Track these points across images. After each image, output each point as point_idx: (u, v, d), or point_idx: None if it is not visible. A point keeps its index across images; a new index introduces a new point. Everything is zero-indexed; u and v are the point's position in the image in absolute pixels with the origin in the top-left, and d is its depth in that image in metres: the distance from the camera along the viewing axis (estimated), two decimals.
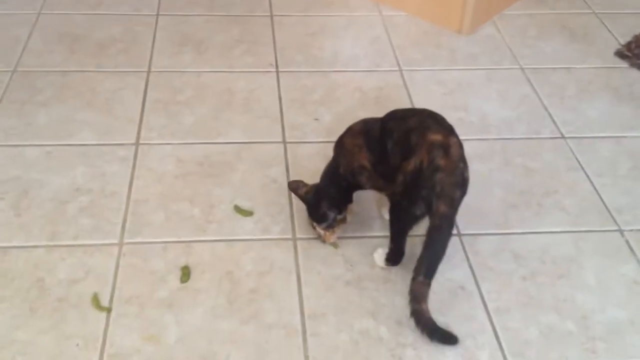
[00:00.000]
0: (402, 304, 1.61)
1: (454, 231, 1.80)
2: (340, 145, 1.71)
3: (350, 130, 1.71)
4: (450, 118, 2.20)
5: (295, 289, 1.65)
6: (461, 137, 2.14)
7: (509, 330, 1.58)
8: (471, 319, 1.59)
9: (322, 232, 1.73)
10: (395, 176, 1.57)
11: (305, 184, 1.75)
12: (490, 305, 1.63)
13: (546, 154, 2.10)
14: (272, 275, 1.68)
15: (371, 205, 1.87)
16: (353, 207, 1.78)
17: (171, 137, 2.07)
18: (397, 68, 2.45)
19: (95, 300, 1.58)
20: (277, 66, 2.43)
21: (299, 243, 1.76)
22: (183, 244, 1.74)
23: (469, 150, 2.06)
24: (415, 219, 1.59)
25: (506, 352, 1.53)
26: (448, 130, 1.59)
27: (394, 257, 1.69)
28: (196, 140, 2.07)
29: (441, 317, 1.58)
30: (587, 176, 2.02)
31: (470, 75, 2.44)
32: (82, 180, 1.90)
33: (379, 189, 1.69)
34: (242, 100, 2.25)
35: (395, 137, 1.59)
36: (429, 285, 1.51)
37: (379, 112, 2.24)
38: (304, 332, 1.55)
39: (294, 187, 1.76)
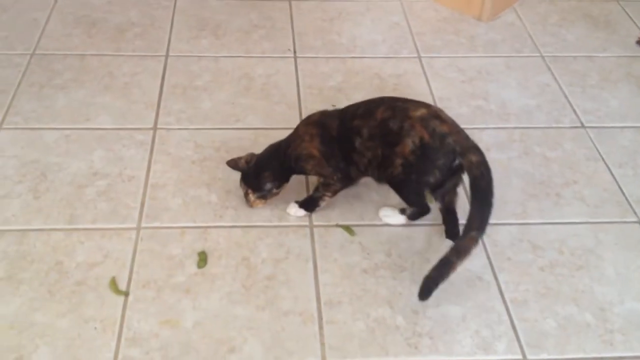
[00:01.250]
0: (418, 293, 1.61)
1: None
2: (295, 129, 1.77)
3: (307, 119, 1.76)
4: (469, 106, 2.21)
5: (312, 276, 1.65)
6: (480, 126, 2.14)
7: (527, 321, 1.57)
8: (488, 309, 1.59)
9: (252, 198, 1.77)
10: (367, 166, 1.67)
11: (241, 157, 1.78)
12: (507, 296, 1.62)
13: (566, 143, 2.08)
14: (289, 262, 1.68)
15: (388, 193, 1.86)
16: (376, 197, 1.79)
17: (189, 122, 2.07)
18: (416, 55, 2.43)
19: (113, 284, 1.59)
20: (295, 52, 2.41)
21: (315, 230, 1.76)
22: (200, 230, 1.74)
23: (487, 139, 2.07)
24: (429, 185, 1.65)
25: (523, 343, 1.52)
26: (424, 103, 1.65)
27: (420, 214, 1.75)
28: (214, 126, 2.07)
29: (458, 307, 1.58)
30: (607, 166, 2.00)
31: (490, 62, 2.41)
32: (100, 164, 1.91)
33: (323, 175, 1.74)
34: (260, 86, 2.24)
35: (367, 133, 1.63)
36: (477, 242, 1.53)
37: None
38: (320, 319, 1.55)
39: (233, 164, 1.77)
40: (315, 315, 1.56)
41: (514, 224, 1.81)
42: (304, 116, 2.10)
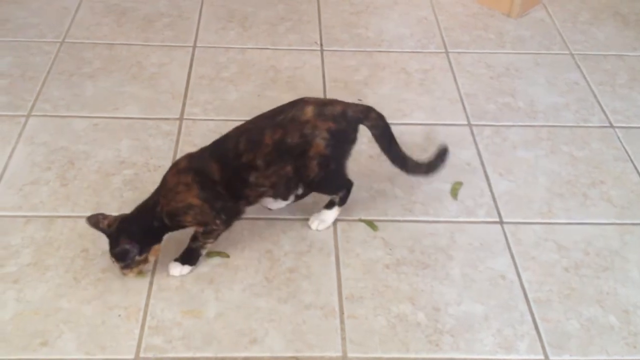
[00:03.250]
0: (440, 291, 1.61)
1: (497, 219, 1.79)
2: (162, 182, 1.59)
3: (174, 167, 1.59)
4: (497, 103, 2.19)
5: (334, 270, 1.65)
6: (507, 123, 2.13)
7: (549, 321, 1.56)
8: (511, 308, 1.58)
9: (119, 267, 1.56)
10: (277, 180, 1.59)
11: (105, 216, 1.56)
12: (530, 296, 1.61)
13: (594, 143, 2.05)
14: (311, 255, 1.68)
15: (412, 188, 1.86)
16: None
17: (215, 114, 2.08)
18: (443, 50, 2.41)
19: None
20: (321, 45, 2.41)
21: (338, 224, 1.76)
22: None
23: (514, 136, 2.06)
24: (345, 163, 1.68)
25: (545, 344, 1.51)
26: (301, 101, 1.62)
27: (348, 193, 1.74)
28: (239, 118, 2.06)
29: (480, 306, 1.58)
30: (635, 167, 1.97)
31: (519, 59, 2.39)
32: (127, 154, 1.92)
33: (205, 223, 1.57)
34: (286, 79, 2.24)
35: (262, 164, 1.55)
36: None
37: (423, 95, 2.22)
38: (342, 313, 1.56)
39: (94, 221, 1.55)
40: (337, 309, 1.56)
41: (539, 223, 1.79)
42: None
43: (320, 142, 1.57)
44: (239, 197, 1.59)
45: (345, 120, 1.60)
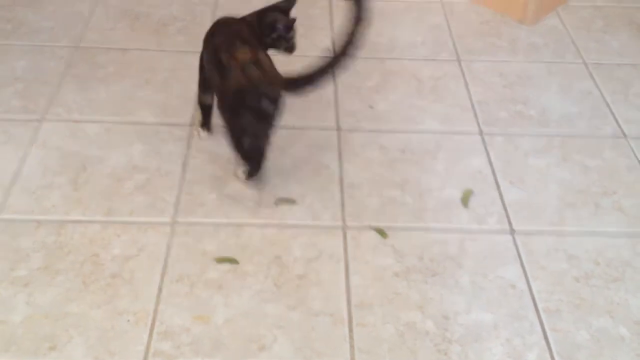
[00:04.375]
0: (450, 300, 1.60)
1: (507, 228, 1.78)
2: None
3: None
4: (509, 111, 2.18)
5: (343, 277, 1.65)
6: (519, 131, 2.12)
7: (559, 331, 1.55)
8: (521, 318, 1.57)
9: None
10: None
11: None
12: (540, 305, 1.60)
13: (606, 152, 2.04)
14: (321, 262, 1.68)
15: (422, 196, 1.86)
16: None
17: None
18: (455, 57, 2.41)
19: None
20: (333, 51, 2.41)
21: (348, 231, 1.76)
22: (234, 226, 1.75)
23: (526, 145, 2.05)
24: (244, 133, 1.79)
25: (555, 354, 1.50)
26: (249, 45, 1.76)
27: (249, 174, 1.85)
28: None
29: (490, 315, 1.57)
30: None
31: (531, 67, 2.38)
32: (139, 158, 1.93)
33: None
34: None
35: (209, 54, 1.82)
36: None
37: (435, 102, 2.22)
38: (350, 321, 1.55)
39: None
40: (346, 316, 1.56)
41: (550, 232, 1.78)
42: (340, 117, 2.11)
43: (230, 84, 1.69)
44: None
45: (252, 85, 1.68)
